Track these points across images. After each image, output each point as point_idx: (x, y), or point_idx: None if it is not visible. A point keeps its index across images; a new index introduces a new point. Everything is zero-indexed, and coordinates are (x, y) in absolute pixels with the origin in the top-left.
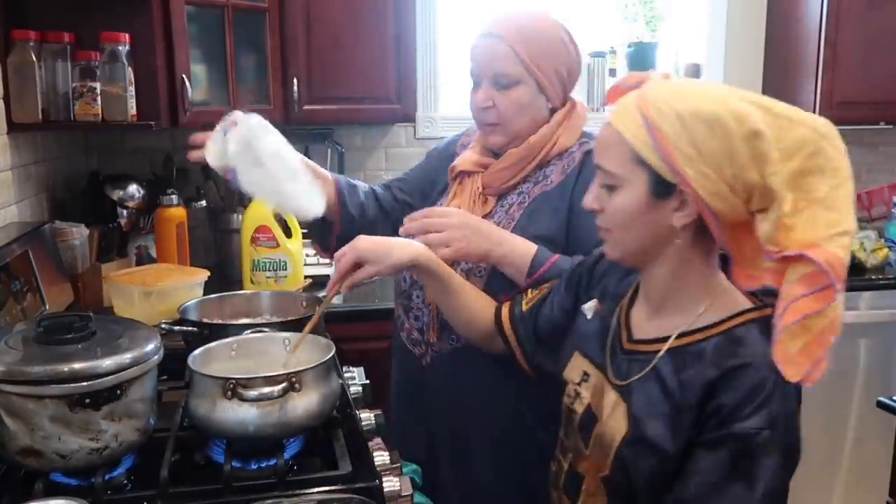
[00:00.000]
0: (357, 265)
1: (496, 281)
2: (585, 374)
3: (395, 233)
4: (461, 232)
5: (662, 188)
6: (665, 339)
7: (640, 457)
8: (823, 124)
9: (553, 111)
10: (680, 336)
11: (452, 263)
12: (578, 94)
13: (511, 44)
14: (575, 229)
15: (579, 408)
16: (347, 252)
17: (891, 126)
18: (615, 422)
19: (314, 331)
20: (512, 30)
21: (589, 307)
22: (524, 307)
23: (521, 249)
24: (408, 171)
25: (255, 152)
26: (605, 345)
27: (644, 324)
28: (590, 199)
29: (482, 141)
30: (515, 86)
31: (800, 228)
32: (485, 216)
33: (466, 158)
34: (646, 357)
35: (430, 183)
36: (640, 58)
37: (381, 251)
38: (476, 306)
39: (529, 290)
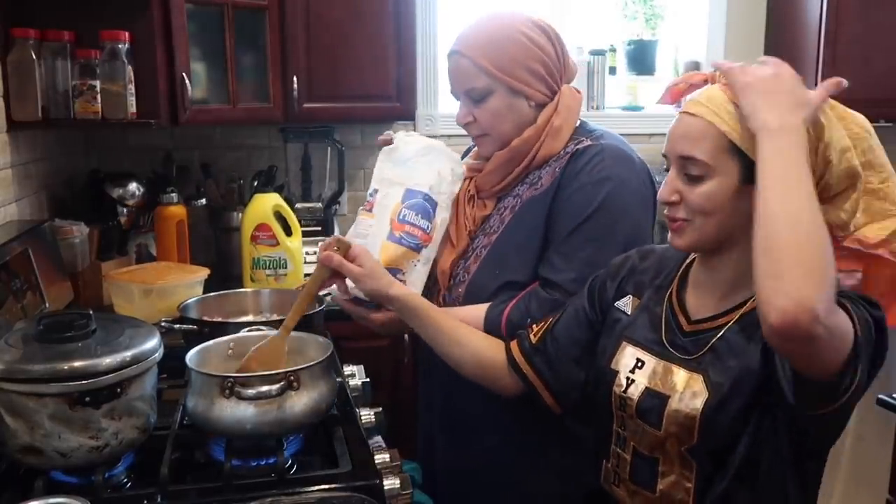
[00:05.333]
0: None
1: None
2: (639, 360)
3: None
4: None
5: (751, 176)
6: (728, 313)
7: (726, 413)
8: (866, 122)
9: (544, 105)
10: (742, 304)
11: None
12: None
13: (472, 57)
14: (553, 224)
15: (635, 393)
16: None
17: (890, 124)
18: (694, 394)
19: (313, 331)
20: (471, 43)
21: (625, 303)
22: (533, 340)
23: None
24: None
25: None
26: (661, 331)
27: (703, 306)
28: (667, 192)
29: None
30: (488, 97)
31: (860, 213)
32: (483, 219)
33: (466, 165)
34: (713, 332)
35: None
36: (640, 56)
37: (377, 270)
38: (470, 343)
39: (534, 325)
